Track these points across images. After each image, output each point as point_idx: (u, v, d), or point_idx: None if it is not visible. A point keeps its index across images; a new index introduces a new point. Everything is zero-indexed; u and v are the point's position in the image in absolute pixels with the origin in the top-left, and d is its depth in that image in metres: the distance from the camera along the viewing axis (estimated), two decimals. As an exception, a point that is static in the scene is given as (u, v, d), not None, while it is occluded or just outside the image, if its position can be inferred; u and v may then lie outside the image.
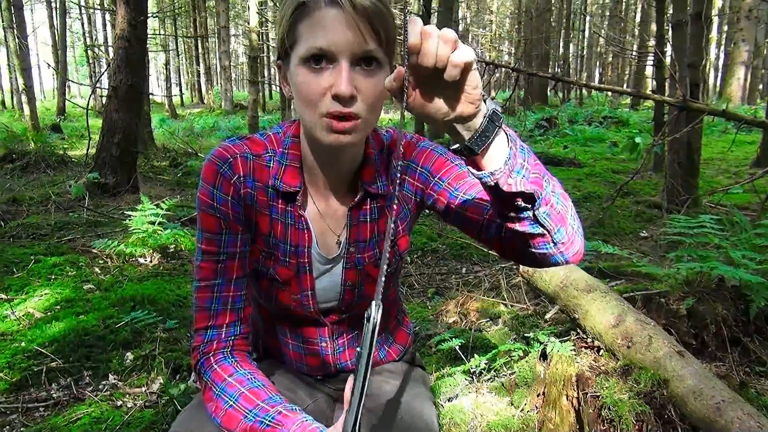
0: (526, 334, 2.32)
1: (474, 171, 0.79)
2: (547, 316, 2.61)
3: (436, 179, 1.06)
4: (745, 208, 4.95)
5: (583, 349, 1.88)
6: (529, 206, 0.81)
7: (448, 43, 0.66)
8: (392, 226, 0.82)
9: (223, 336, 1.03)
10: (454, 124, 0.75)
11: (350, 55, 0.86)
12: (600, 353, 1.84)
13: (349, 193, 1.08)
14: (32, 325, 2.74)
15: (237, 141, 1.04)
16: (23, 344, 2.53)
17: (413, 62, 0.67)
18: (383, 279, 0.68)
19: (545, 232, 0.85)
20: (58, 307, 2.97)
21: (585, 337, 1.95)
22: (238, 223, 1.02)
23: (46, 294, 3.12)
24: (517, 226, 0.85)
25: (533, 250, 0.89)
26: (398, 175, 0.84)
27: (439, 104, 0.73)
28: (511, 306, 3.00)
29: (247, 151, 1.02)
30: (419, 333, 2.74)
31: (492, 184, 0.78)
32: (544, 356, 1.77)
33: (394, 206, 1.07)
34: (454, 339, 2.20)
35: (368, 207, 1.08)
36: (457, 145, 0.78)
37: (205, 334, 1.04)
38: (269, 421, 0.93)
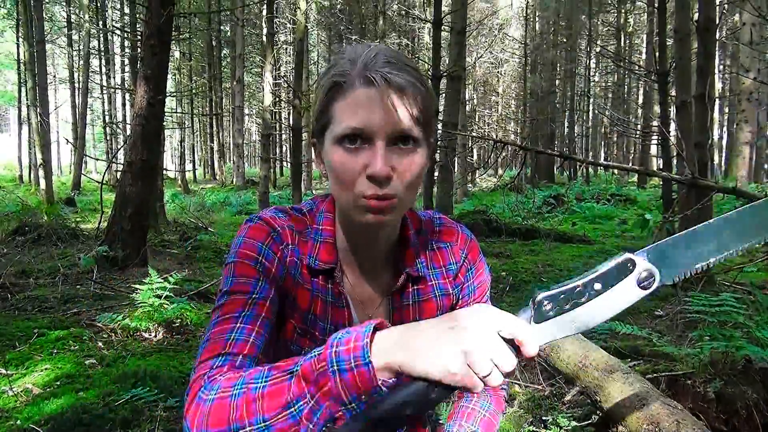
0: (543, 418, 2.21)
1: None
2: (567, 398, 2.49)
3: (470, 303, 1.07)
4: (761, 287, 4.84)
5: (606, 434, 1.78)
6: None
7: None
8: None
9: (237, 364, 0.83)
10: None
11: (386, 135, 0.84)
12: (625, 439, 1.74)
13: (384, 273, 1.04)
14: (30, 402, 2.65)
15: (280, 214, 1.01)
16: (18, 422, 2.43)
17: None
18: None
19: None
20: (58, 383, 2.88)
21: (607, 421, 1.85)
22: (276, 283, 0.95)
23: (46, 369, 3.04)
24: None
25: None
26: None
27: None
28: (526, 387, 2.88)
29: (292, 226, 1.00)
30: (429, 416, 2.61)
31: None
32: (565, 442, 1.67)
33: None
34: (468, 422, 2.09)
35: (410, 290, 1.04)
36: None
37: (213, 361, 0.83)
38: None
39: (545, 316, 0.68)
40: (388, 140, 0.85)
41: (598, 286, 0.67)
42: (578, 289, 0.68)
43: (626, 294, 0.67)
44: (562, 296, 0.68)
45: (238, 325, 0.88)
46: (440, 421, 1.29)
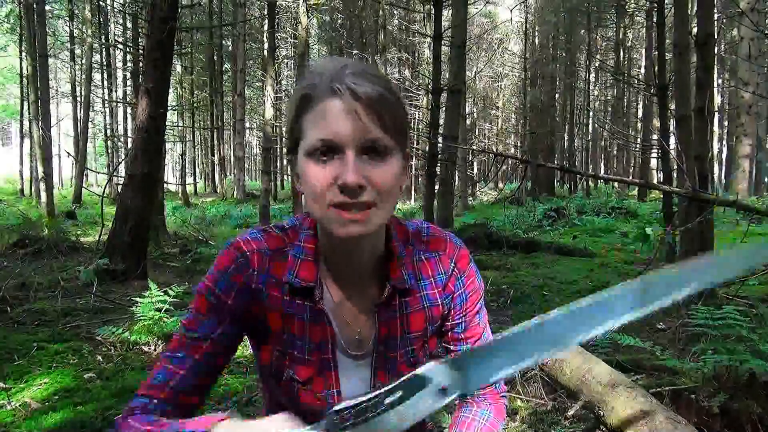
0: (546, 433, 2.19)
1: None
2: (569, 412, 2.47)
3: (460, 316, 1.07)
4: (763, 300, 4.82)
5: (610, 449, 1.76)
6: None
7: None
8: None
9: (150, 407, 0.94)
10: None
11: (355, 145, 0.84)
12: (629, 455, 1.72)
13: (371, 286, 1.02)
14: (28, 416, 2.63)
15: (256, 235, 1.00)
16: (16, 437, 2.41)
17: None
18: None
19: None
20: (57, 396, 2.86)
21: (611, 436, 1.83)
22: (232, 314, 0.97)
23: (45, 383, 3.02)
24: None
25: None
26: None
27: None
28: (528, 401, 2.86)
29: (264, 247, 0.99)
30: (430, 428, 2.59)
31: None
32: (568, 457, 1.65)
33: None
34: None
35: (396, 303, 1.02)
36: None
37: (135, 400, 0.95)
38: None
39: (339, 428, 0.70)
40: (358, 150, 0.85)
41: (388, 400, 0.69)
42: (371, 402, 0.69)
43: (423, 403, 0.68)
44: (356, 410, 0.69)
45: (168, 366, 0.96)
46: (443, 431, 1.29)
